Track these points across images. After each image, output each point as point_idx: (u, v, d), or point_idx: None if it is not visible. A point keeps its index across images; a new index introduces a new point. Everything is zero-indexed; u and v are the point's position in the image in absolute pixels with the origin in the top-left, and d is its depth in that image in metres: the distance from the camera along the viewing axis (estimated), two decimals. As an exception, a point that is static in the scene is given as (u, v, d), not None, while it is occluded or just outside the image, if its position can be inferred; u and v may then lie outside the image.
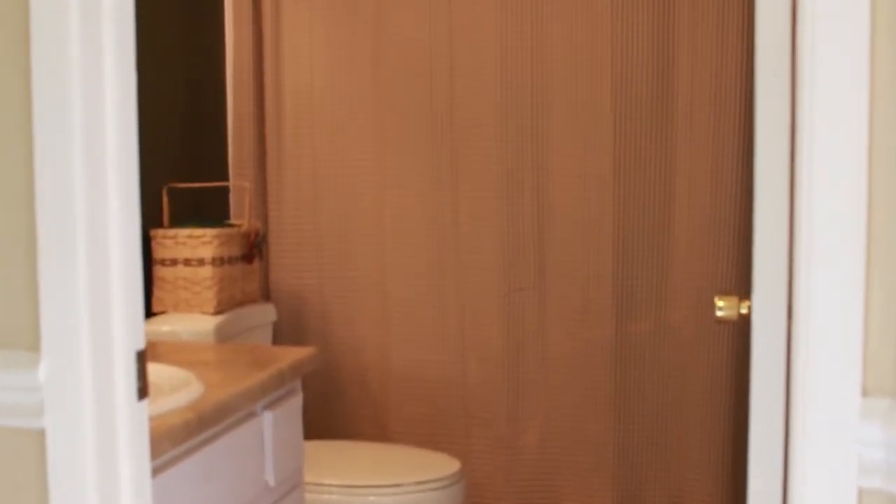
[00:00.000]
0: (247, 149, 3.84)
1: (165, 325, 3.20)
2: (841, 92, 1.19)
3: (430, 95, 3.71)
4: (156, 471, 1.88)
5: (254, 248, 3.50)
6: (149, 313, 3.30)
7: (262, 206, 3.88)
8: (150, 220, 3.35)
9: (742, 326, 2.14)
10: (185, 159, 3.60)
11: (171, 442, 1.93)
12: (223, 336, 3.25)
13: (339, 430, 3.88)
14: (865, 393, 1.26)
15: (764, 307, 1.69)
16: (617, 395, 3.64)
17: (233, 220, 3.74)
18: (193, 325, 3.21)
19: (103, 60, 1.46)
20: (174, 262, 3.31)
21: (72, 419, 1.43)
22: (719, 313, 2.05)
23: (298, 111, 3.83)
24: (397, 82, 3.74)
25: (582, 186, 3.61)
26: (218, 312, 3.30)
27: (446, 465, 3.28)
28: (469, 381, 3.76)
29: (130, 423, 1.50)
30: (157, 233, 3.33)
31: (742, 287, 3.46)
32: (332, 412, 3.89)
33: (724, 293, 3.42)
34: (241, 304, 3.47)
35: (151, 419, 1.87)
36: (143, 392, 1.53)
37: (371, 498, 3.13)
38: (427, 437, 3.80)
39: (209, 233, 3.30)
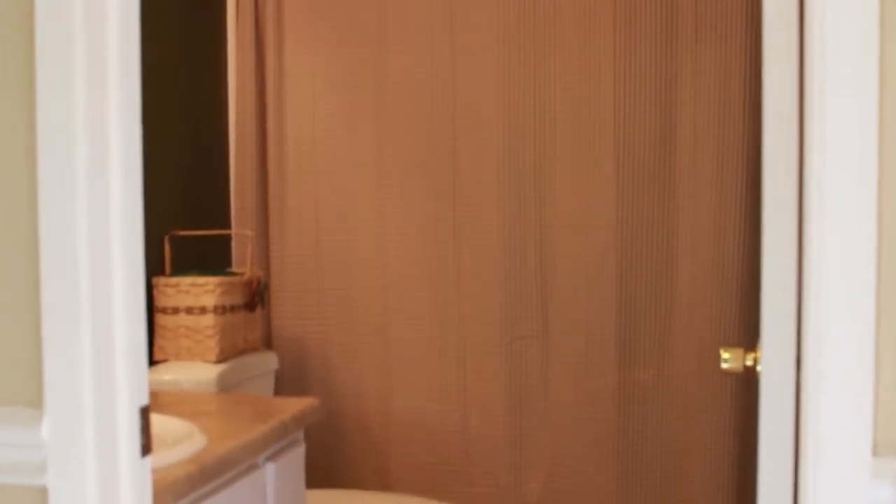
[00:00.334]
0: (249, 197, 3.84)
1: (167, 374, 3.18)
2: (851, 151, 1.19)
3: (433, 144, 3.72)
4: (158, 526, 1.86)
5: (256, 297, 3.49)
6: (150, 362, 3.26)
7: (264, 253, 3.87)
8: (153, 267, 3.34)
9: (746, 376, 2.13)
10: (188, 207, 3.60)
11: (174, 496, 1.91)
12: (225, 385, 3.23)
13: (340, 478, 3.86)
14: (876, 452, 1.25)
15: (772, 361, 1.68)
16: (620, 445, 3.62)
17: (235, 269, 3.73)
18: (195, 373, 3.19)
19: (108, 112, 1.46)
20: (176, 311, 3.31)
21: (75, 477, 1.42)
22: (724, 365, 2.04)
23: (301, 159, 3.83)
24: (399, 131, 3.75)
25: (584, 236, 3.60)
26: (220, 361, 3.29)
27: (449, 516, 3.25)
28: (471, 429, 3.74)
29: (133, 481, 1.49)
30: (160, 281, 3.32)
31: (746, 337, 3.44)
32: (333, 459, 3.86)
33: (728, 344, 3.43)
34: (243, 352, 3.45)
35: (154, 472, 1.86)
36: (146, 448, 1.52)
37: (373, 549, 3.11)
38: (430, 486, 3.77)
39: (212, 281, 3.30)
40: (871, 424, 1.25)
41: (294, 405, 2.61)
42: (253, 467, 2.36)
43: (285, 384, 3.82)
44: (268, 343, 3.86)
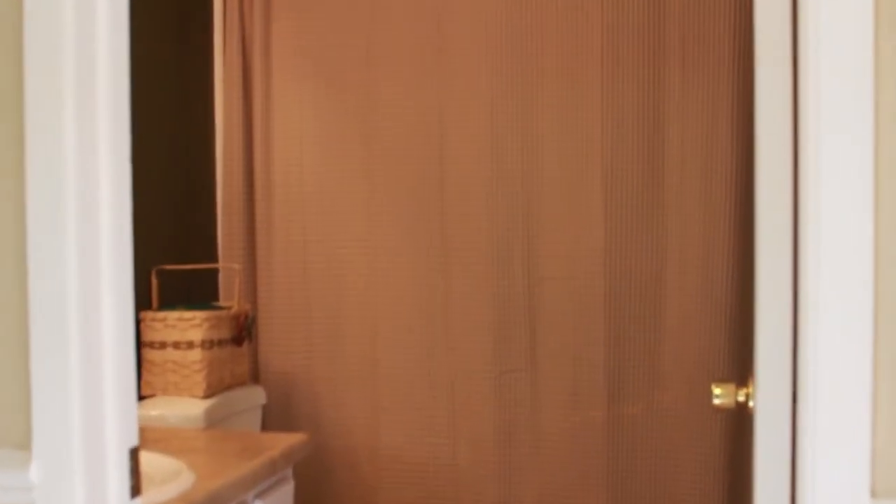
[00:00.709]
0: (236, 230, 3.83)
1: (154, 410, 3.16)
2: (847, 192, 1.19)
3: (421, 174, 3.71)
4: (146, 567, 1.84)
5: (243, 331, 3.48)
6: (137, 397, 3.25)
7: (251, 287, 3.85)
8: (139, 302, 3.31)
9: (738, 410, 2.12)
10: (175, 241, 3.59)
11: (163, 536, 1.89)
12: (212, 420, 3.21)
13: (328, 514, 3.83)
14: (875, 493, 1.24)
15: (767, 400, 1.67)
16: (609, 478, 3.60)
17: (222, 302, 3.71)
18: (182, 409, 3.17)
19: (98, 149, 1.45)
20: (163, 345, 3.29)
21: (64, 521, 1.40)
22: (716, 401, 2.03)
23: (288, 192, 3.82)
24: (388, 161, 3.74)
25: (572, 268, 3.60)
26: (207, 396, 3.26)
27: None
28: (460, 463, 3.72)
29: (123, 523, 1.47)
30: (147, 315, 3.31)
31: (735, 368, 3.44)
32: (322, 494, 3.83)
33: (717, 373, 3.45)
34: (230, 387, 3.43)
35: (142, 513, 1.84)
36: (135, 490, 1.51)
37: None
38: (418, 520, 3.75)
39: (199, 315, 3.28)
40: (870, 466, 1.24)
41: (282, 441, 2.59)
42: (242, 505, 2.34)
43: (273, 418, 3.79)
44: (255, 377, 3.83)
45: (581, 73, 3.56)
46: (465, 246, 3.68)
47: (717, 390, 2.02)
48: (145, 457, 2.23)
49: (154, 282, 3.38)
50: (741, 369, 3.42)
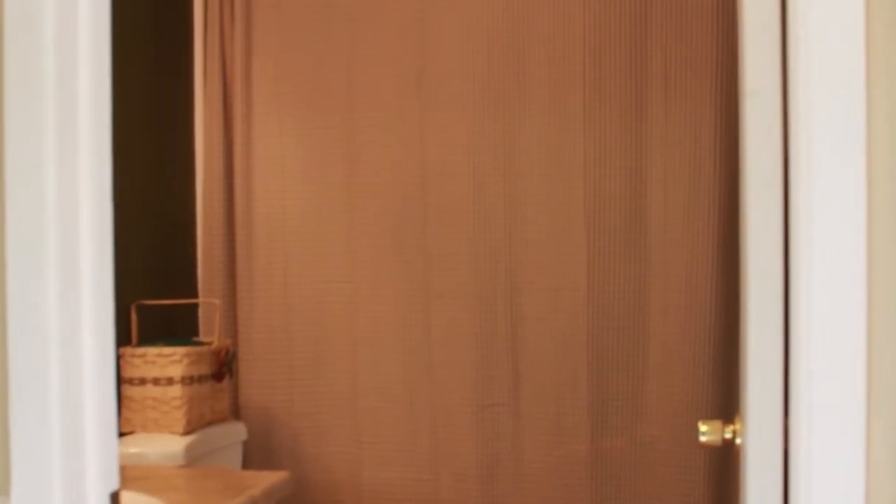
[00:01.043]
0: (217, 265, 3.80)
1: (133, 447, 3.12)
2: (840, 225, 1.18)
3: (403, 210, 3.70)
4: None
5: (224, 366, 3.45)
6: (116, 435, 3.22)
7: (232, 322, 3.82)
8: (119, 337, 3.28)
9: (723, 445, 2.10)
10: (155, 275, 3.56)
11: (143, 580, 1.86)
12: (193, 456, 3.17)
13: (310, 552, 3.79)
14: (869, 536, 1.23)
15: (757, 438, 1.65)
16: (593, 512, 3.58)
17: (202, 338, 3.68)
18: (162, 446, 3.13)
19: (79, 181, 1.43)
20: (143, 382, 3.26)
21: (43, 568, 1.37)
22: (703, 438, 2.01)
23: (270, 227, 3.80)
24: (369, 196, 3.73)
25: (555, 301, 3.58)
26: (187, 433, 3.23)
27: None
28: (443, 498, 3.69)
29: (103, 569, 1.44)
30: (126, 351, 3.28)
31: (719, 401, 3.43)
32: (302, 531, 3.79)
33: (702, 409, 3.43)
34: (210, 423, 3.40)
35: (122, 556, 1.80)
36: (116, 535, 1.48)
37: None
38: (401, 557, 3.71)
39: (179, 351, 3.25)
40: (864, 507, 1.22)
41: (264, 479, 2.56)
42: (223, 545, 2.30)
43: (254, 455, 3.76)
44: (236, 413, 3.80)
45: (563, 107, 3.55)
46: (448, 280, 3.66)
47: (703, 427, 2.01)
48: (125, 497, 2.20)
49: (133, 317, 3.35)
50: (725, 403, 3.41)
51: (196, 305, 3.80)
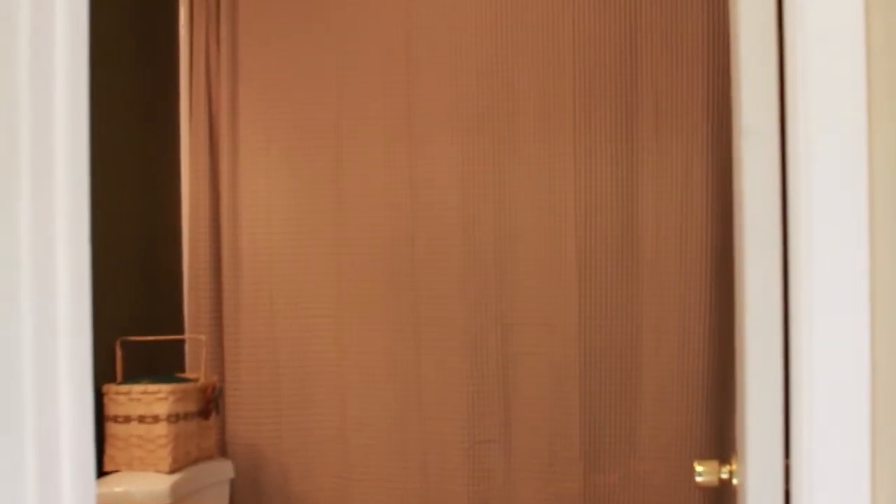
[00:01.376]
0: (203, 300, 3.76)
1: (118, 486, 3.07)
2: (841, 265, 1.15)
3: (392, 242, 3.66)
4: None
5: (210, 403, 3.40)
6: (101, 472, 3.17)
7: (218, 358, 3.77)
8: (103, 374, 3.24)
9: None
10: (139, 311, 3.52)
11: None
12: (179, 495, 3.12)
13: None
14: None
15: (755, 480, 1.61)
16: (586, 550, 3.54)
17: (188, 374, 3.63)
18: (148, 484, 3.08)
19: (55, 216, 1.39)
20: (127, 419, 3.20)
21: None
22: (699, 479, 1.98)
23: (256, 262, 3.76)
24: (357, 231, 3.69)
25: (547, 337, 3.54)
26: (173, 471, 3.18)
27: None
28: (433, 536, 3.64)
29: None
30: (110, 388, 3.23)
31: (712, 436, 3.39)
32: (290, 570, 3.74)
33: (695, 445, 3.39)
34: (196, 461, 3.35)
35: None
36: (95, 586, 1.43)
37: None
38: None
39: (164, 388, 3.21)
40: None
41: (251, 521, 2.51)
42: (208, 590, 2.25)
43: (241, 493, 3.71)
44: (223, 451, 3.75)
45: (553, 142, 3.53)
46: (438, 316, 3.62)
47: (699, 468, 1.98)
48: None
49: (118, 354, 3.30)
50: (718, 438, 3.38)
51: (182, 342, 3.75)
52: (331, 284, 3.72)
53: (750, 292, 1.48)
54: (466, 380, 3.59)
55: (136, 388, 3.20)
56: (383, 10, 3.69)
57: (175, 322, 3.75)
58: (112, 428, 3.21)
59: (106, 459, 3.20)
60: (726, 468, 1.94)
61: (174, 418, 3.21)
